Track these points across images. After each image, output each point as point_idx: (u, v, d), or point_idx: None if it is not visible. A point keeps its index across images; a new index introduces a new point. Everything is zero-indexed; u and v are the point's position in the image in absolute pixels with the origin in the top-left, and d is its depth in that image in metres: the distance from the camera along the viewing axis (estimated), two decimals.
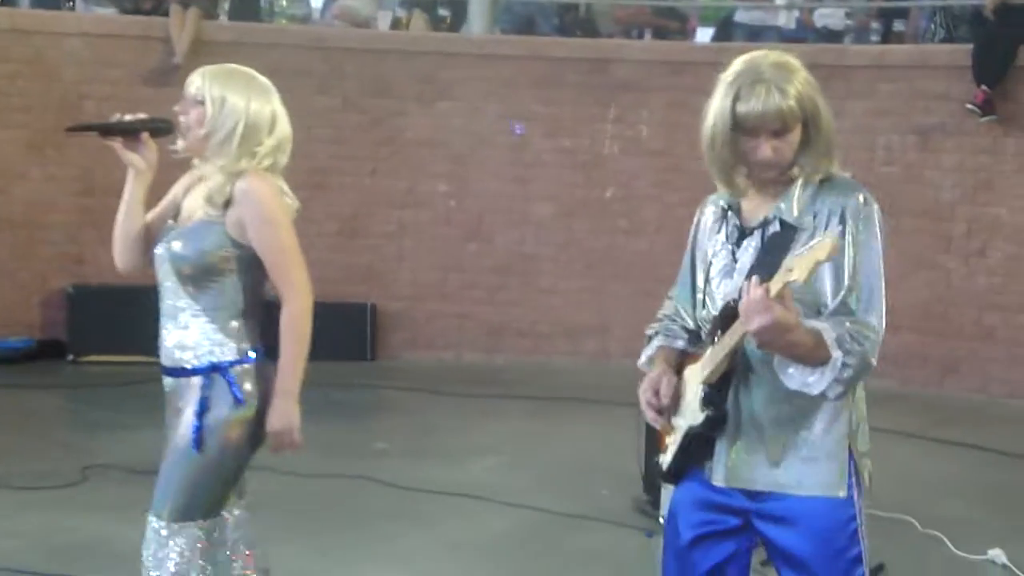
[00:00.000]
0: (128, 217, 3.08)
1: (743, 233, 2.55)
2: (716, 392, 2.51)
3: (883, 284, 2.44)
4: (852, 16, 8.86)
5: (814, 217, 2.46)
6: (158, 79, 7.97)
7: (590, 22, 9.16)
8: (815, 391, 2.37)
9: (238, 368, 2.96)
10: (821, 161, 2.49)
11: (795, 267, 2.22)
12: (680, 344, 2.74)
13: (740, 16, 8.83)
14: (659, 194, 8.40)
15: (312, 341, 3.00)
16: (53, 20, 8.45)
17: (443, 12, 9.10)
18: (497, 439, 6.42)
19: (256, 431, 2.98)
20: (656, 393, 2.63)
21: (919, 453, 6.20)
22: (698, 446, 2.59)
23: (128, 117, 3.04)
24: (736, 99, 2.42)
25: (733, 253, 2.55)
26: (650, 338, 2.80)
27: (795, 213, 2.46)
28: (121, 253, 3.12)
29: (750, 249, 2.52)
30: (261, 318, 3.06)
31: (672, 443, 2.68)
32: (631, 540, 4.94)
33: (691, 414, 2.59)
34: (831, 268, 2.38)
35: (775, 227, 2.49)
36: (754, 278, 2.29)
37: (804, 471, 2.49)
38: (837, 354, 2.33)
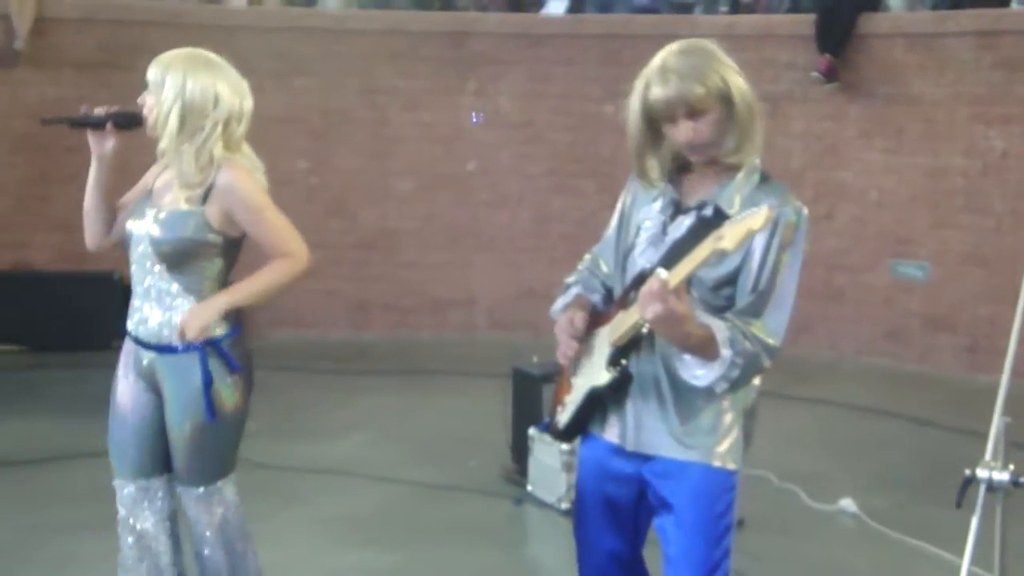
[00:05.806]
0: (92, 199, 3.26)
1: (679, 209, 2.60)
2: (623, 354, 2.58)
3: (792, 301, 2.52)
4: None
5: None
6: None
7: None
8: (701, 384, 2.46)
9: (229, 340, 3.20)
10: (745, 141, 2.52)
11: (727, 235, 2.25)
12: (596, 298, 2.79)
13: None
14: (520, 166, 8.50)
15: None
16: None
17: None
18: (365, 415, 6.42)
19: (249, 388, 3.28)
20: (572, 323, 2.67)
21: (776, 410, 6.39)
22: (598, 406, 2.66)
23: (98, 110, 3.20)
24: (647, 89, 2.51)
25: (665, 225, 2.61)
26: (568, 287, 2.85)
27: (735, 206, 2.50)
28: (90, 233, 3.31)
29: (682, 227, 2.57)
30: None
31: (571, 402, 2.73)
32: (500, 509, 5.02)
33: (595, 374, 2.64)
34: (755, 268, 2.47)
35: (709, 211, 2.54)
36: (659, 269, 2.34)
37: (700, 442, 2.58)
38: (727, 353, 2.40)
